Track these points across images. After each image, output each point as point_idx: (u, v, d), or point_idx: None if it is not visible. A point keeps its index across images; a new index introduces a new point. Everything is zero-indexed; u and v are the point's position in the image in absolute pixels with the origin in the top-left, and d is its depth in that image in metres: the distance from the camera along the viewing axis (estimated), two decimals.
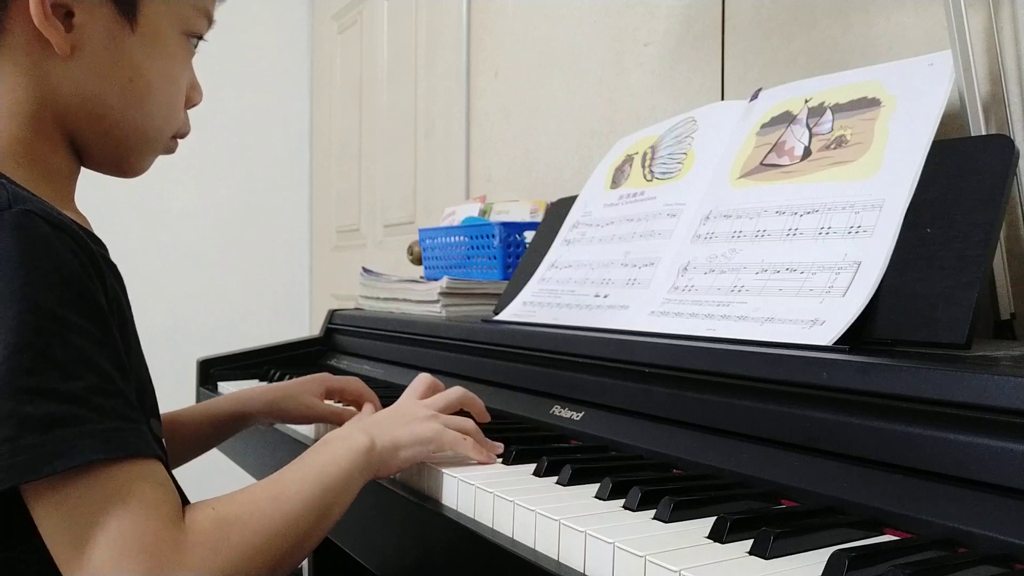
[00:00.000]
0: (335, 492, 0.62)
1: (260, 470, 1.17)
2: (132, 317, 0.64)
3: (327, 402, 0.97)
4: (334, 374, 1.04)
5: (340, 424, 0.93)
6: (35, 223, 0.52)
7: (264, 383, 1.39)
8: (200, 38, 0.69)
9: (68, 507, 0.50)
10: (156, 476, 0.54)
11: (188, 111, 0.72)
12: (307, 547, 0.60)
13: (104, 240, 0.66)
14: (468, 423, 0.77)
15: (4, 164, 0.60)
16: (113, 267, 0.63)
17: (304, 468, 0.62)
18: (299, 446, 0.97)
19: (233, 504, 0.57)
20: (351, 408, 0.97)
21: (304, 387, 0.95)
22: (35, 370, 0.50)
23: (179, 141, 0.72)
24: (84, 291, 0.53)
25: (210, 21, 0.70)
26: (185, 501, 0.73)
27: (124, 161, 0.68)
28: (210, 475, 1.30)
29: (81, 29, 0.61)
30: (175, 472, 0.81)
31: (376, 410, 0.96)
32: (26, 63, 0.61)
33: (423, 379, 0.83)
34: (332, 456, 0.64)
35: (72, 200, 0.66)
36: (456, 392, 0.80)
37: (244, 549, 0.54)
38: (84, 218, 0.66)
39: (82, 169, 0.68)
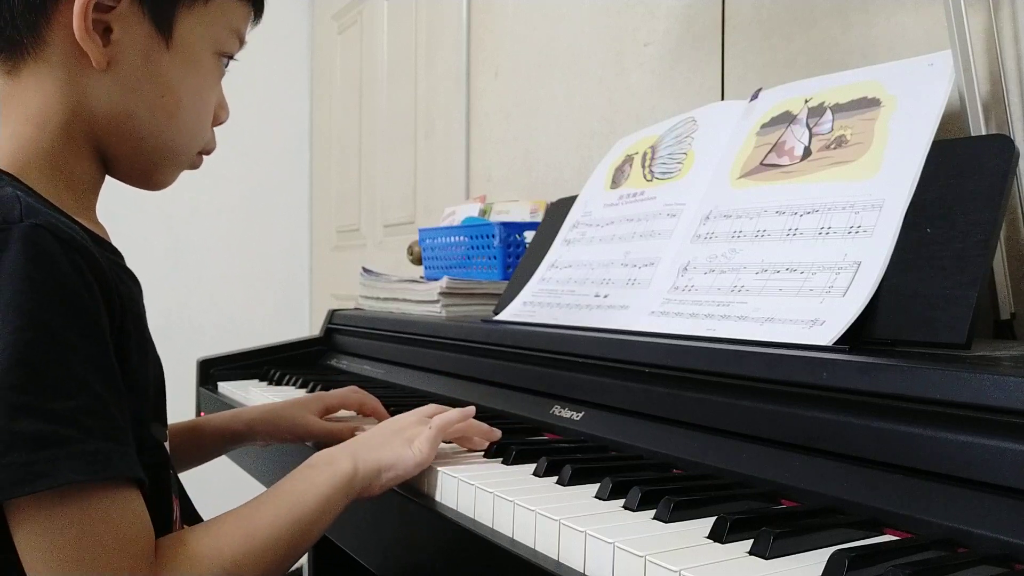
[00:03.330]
0: (309, 522, 0.63)
1: (261, 470, 1.17)
2: (146, 323, 0.64)
3: (333, 416, 0.97)
4: (334, 374, 1.04)
5: (337, 441, 0.93)
6: (44, 238, 0.53)
7: (264, 383, 1.39)
8: (231, 58, 0.70)
9: (47, 534, 0.50)
10: (133, 507, 0.54)
11: (214, 128, 0.73)
12: (281, 572, 0.61)
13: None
14: (452, 415, 0.78)
15: (29, 173, 0.61)
16: (129, 273, 0.64)
17: (280, 498, 0.63)
18: (299, 447, 0.97)
19: (203, 539, 0.57)
20: (347, 425, 0.96)
21: (299, 405, 0.95)
22: (28, 387, 0.50)
23: (204, 157, 0.73)
24: (85, 310, 0.54)
25: (241, 42, 0.71)
26: (188, 503, 0.74)
27: (151, 174, 0.69)
28: (210, 475, 1.30)
29: (118, 44, 0.62)
30: (185, 474, 0.82)
31: (380, 415, 0.97)
32: (63, 75, 0.62)
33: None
34: (312, 484, 0.65)
35: (93, 210, 0.67)
36: (449, 419, 0.79)
37: None
38: (102, 228, 0.67)
39: None
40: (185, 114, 0.67)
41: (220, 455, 0.95)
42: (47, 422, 0.50)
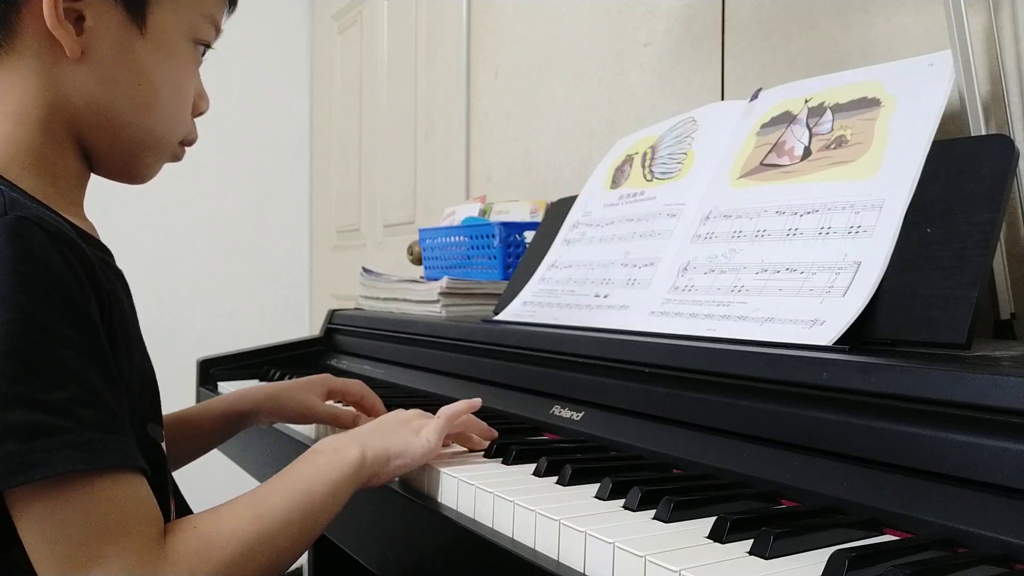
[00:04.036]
0: (320, 507, 0.62)
1: (260, 470, 1.17)
2: (136, 322, 0.64)
3: (328, 403, 0.97)
4: (334, 374, 1.04)
5: (338, 426, 0.93)
6: (30, 230, 0.52)
7: (264, 383, 1.39)
8: (208, 46, 0.70)
9: (50, 521, 0.50)
10: (138, 492, 0.54)
11: (196, 119, 0.72)
12: (291, 559, 0.61)
13: (104, 241, 0.66)
14: (459, 406, 0.78)
15: (11, 169, 0.60)
16: (118, 273, 0.64)
17: (289, 483, 0.63)
18: (300, 446, 0.97)
19: (215, 522, 0.57)
20: (350, 409, 0.96)
21: (305, 387, 0.95)
22: (20, 378, 0.50)
23: (186, 149, 0.72)
24: (75, 301, 0.53)
25: (217, 30, 0.70)
26: (183, 503, 0.74)
27: (132, 167, 0.69)
28: (211, 475, 1.30)
29: (91, 32, 0.62)
30: (181, 471, 0.81)
31: (378, 412, 0.97)
32: (37, 67, 0.61)
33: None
34: (319, 470, 0.64)
35: (80, 206, 0.67)
36: (456, 409, 0.79)
37: (224, 568, 0.55)
38: (91, 224, 0.67)
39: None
40: (163, 103, 0.66)
41: (223, 440, 0.95)
42: (41, 413, 0.50)
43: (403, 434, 0.72)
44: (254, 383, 1.40)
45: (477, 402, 0.80)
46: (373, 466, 0.68)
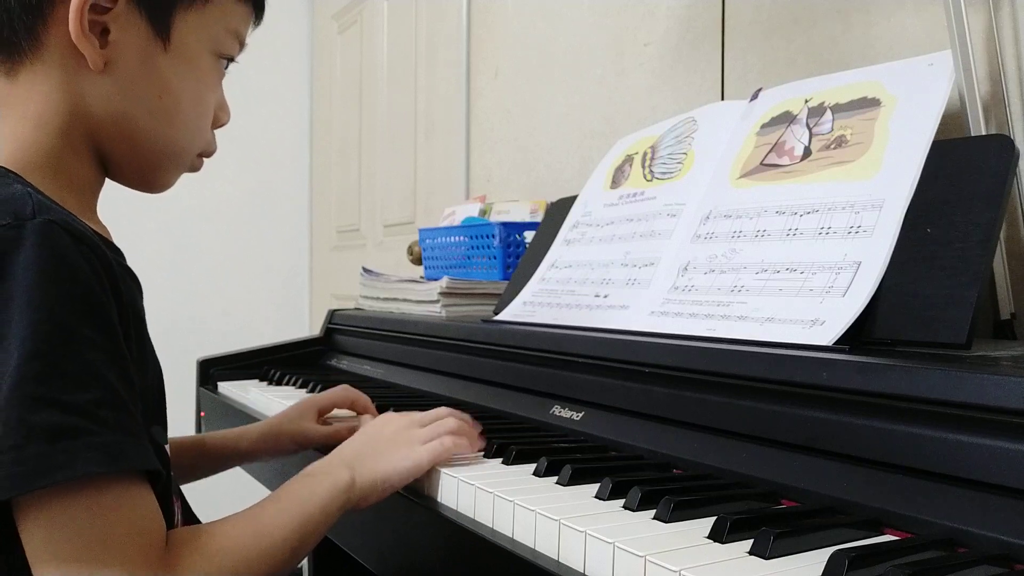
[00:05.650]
0: (312, 527, 0.64)
1: (268, 477, 1.17)
2: (146, 324, 0.65)
3: (328, 415, 0.98)
4: (334, 374, 1.04)
5: (338, 443, 0.93)
6: (57, 234, 0.53)
7: (264, 383, 1.39)
8: (231, 60, 0.70)
9: (56, 522, 0.50)
10: (145, 499, 0.54)
11: (215, 131, 0.72)
12: (286, 572, 0.62)
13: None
14: (447, 423, 0.77)
15: (31, 174, 0.61)
16: (131, 273, 0.64)
17: (285, 503, 0.64)
18: (306, 453, 0.97)
19: (215, 536, 0.58)
20: (345, 426, 0.96)
21: (296, 416, 0.95)
22: (45, 379, 0.50)
23: (204, 160, 0.72)
24: (98, 305, 0.54)
25: (242, 45, 0.71)
26: (188, 510, 0.74)
27: (150, 176, 0.69)
28: (217, 480, 1.30)
29: (115, 45, 0.62)
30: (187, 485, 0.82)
31: (371, 410, 0.97)
32: (60, 77, 0.62)
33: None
34: (313, 491, 0.65)
35: (94, 211, 0.67)
36: (447, 424, 0.79)
37: None
38: (105, 228, 0.67)
39: None
40: (184, 116, 0.67)
41: (218, 472, 0.95)
42: (64, 414, 0.50)
43: (392, 457, 0.72)
44: (254, 383, 1.40)
45: (463, 440, 0.79)
46: (362, 491, 0.69)
